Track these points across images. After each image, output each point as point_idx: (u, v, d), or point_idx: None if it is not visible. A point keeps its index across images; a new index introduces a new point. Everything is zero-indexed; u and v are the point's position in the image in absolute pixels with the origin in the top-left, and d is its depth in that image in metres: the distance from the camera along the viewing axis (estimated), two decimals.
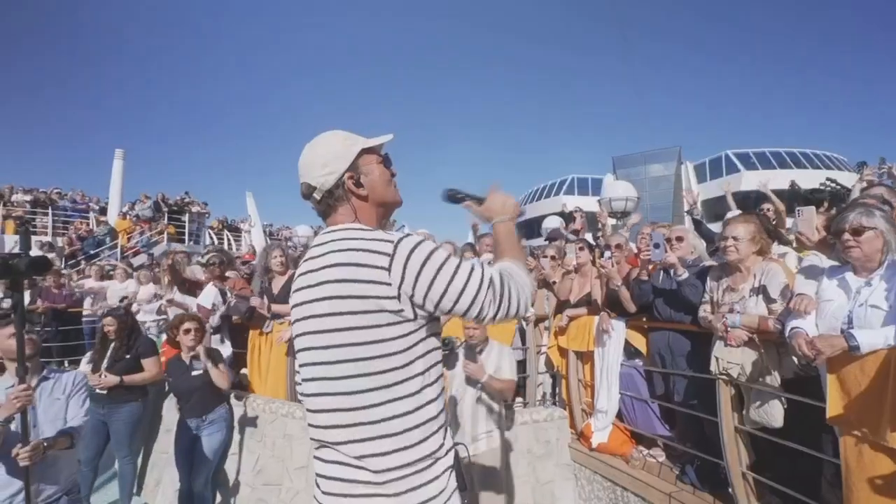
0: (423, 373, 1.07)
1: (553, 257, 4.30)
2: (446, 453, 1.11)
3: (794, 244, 3.06)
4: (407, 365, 1.04)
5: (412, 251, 1.03)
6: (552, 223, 6.59)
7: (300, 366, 1.18)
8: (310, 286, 1.10)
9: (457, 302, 1.04)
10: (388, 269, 1.02)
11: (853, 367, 1.90)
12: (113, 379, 3.56)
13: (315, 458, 1.13)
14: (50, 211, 12.50)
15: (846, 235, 1.99)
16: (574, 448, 3.67)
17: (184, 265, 5.20)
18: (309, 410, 1.13)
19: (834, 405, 1.95)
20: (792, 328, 2.08)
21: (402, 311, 1.03)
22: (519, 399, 4.29)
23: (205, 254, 5.73)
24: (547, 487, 3.62)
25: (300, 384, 1.28)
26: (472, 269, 1.07)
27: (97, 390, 3.55)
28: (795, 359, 2.09)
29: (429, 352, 1.10)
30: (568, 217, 6.57)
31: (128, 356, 3.68)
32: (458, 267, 1.06)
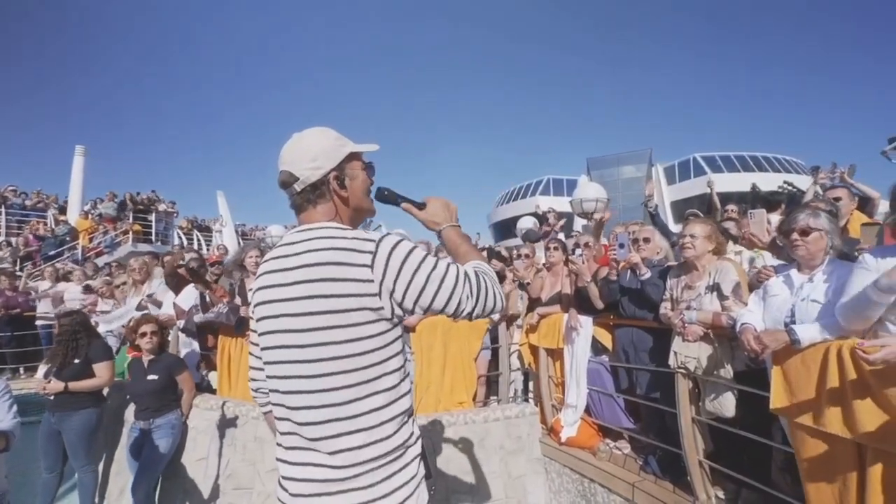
0: (398, 369, 1.12)
1: (527, 256, 4.41)
2: (415, 441, 1.16)
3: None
4: (384, 361, 1.09)
5: (393, 249, 1.07)
6: (527, 223, 6.70)
7: (266, 363, 1.17)
8: (282, 285, 1.10)
9: (435, 297, 1.08)
10: (371, 267, 1.05)
11: (795, 360, 2.03)
12: (56, 385, 3.39)
13: (280, 460, 1.14)
14: (3, 210, 11.85)
15: (794, 235, 2.13)
16: (544, 443, 3.76)
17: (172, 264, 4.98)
18: (282, 407, 1.13)
19: (777, 396, 2.08)
20: (742, 323, 2.21)
21: (382, 308, 1.07)
22: (493, 396, 4.36)
23: (167, 254, 5.58)
24: (518, 482, 3.70)
25: (256, 381, 1.31)
26: (449, 266, 1.12)
27: (48, 397, 3.44)
28: (746, 352, 2.22)
29: (400, 350, 1.15)
30: (542, 218, 6.70)
31: (77, 361, 3.51)
32: (436, 264, 1.10)
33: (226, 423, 3.92)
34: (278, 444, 1.16)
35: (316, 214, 1.16)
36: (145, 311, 4.48)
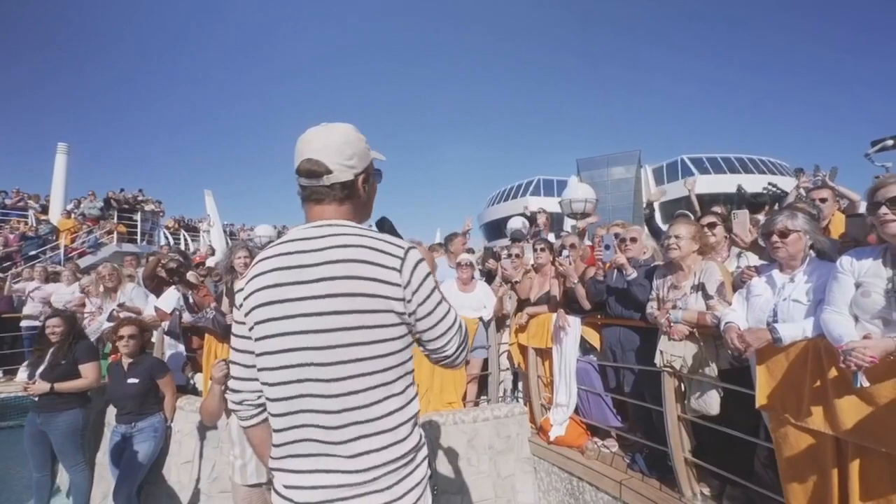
0: (411, 372, 1.14)
1: (517, 256, 4.43)
2: (424, 443, 1.17)
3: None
4: (401, 364, 1.09)
5: (419, 263, 1.09)
6: (516, 224, 6.73)
7: (266, 369, 1.08)
8: (296, 283, 1.04)
9: (434, 326, 1.12)
10: (400, 272, 1.05)
11: (779, 358, 2.08)
12: (42, 386, 3.36)
13: (281, 470, 1.08)
14: None
15: (774, 237, 2.17)
16: (533, 442, 3.78)
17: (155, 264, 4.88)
18: (288, 416, 1.06)
19: (762, 393, 2.12)
20: (726, 322, 2.25)
21: (404, 313, 1.07)
22: (482, 396, 4.37)
23: (151, 254, 5.48)
24: (508, 481, 3.71)
25: (241, 392, 1.18)
26: (450, 307, 1.16)
27: (33, 398, 3.39)
28: (730, 351, 2.26)
29: (412, 355, 1.16)
30: (532, 218, 6.73)
31: (64, 361, 3.49)
32: (442, 299, 1.14)
33: (211, 427, 3.87)
34: (278, 456, 1.09)
35: (333, 211, 1.13)
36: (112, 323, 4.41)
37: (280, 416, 1.08)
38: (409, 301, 1.07)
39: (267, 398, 1.10)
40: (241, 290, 1.13)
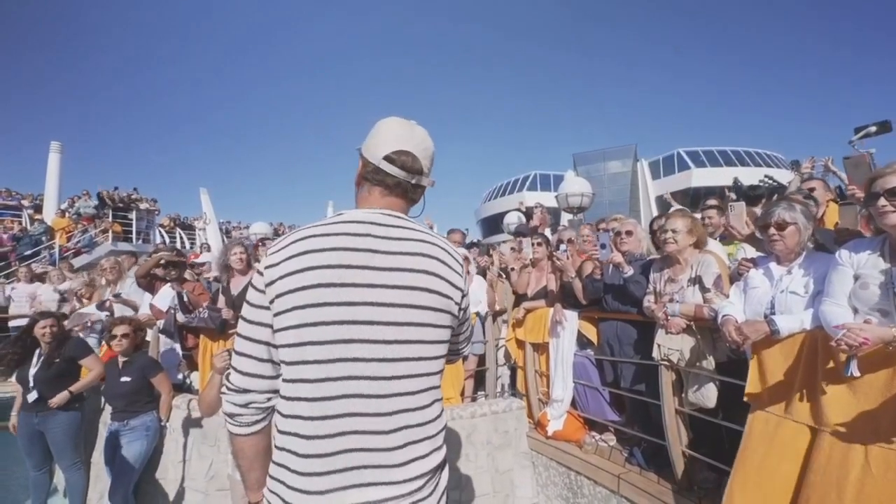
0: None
1: (512, 248, 4.42)
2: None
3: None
4: (441, 370, 1.07)
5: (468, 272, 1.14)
6: (513, 219, 6.73)
7: (300, 363, 0.93)
8: (364, 267, 0.95)
9: (466, 330, 1.21)
10: (463, 277, 1.09)
11: (773, 350, 2.07)
12: (63, 396, 3.45)
13: (298, 490, 0.91)
14: None
15: (771, 230, 2.15)
16: (531, 437, 3.78)
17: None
18: (318, 420, 0.92)
19: (752, 384, 2.12)
20: (723, 315, 2.23)
21: (457, 317, 1.08)
22: (480, 391, 4.37)
23: (153, 252, 5.45)
24: (506, 476, 3.71)
25: (251, 392, 0.99)
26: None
27: (29, 400, 3.39)
28: (727, 343, 2.25)
29: None
30: (528, 213, 6.73)
31: (57, 360, 3.52)
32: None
33: (208, 424, 3.85)
34: (304, 471, 0.91)
35: (402, 208, 1.10)
36: (107, 313, 4.39)
37: (315, 420, 0.92)
38: (462, 308, 1.10)
39: (297, 398, 0.93)
40: (270, 266, 0.96)
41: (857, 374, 1.64)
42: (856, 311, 1.79)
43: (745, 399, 2.15)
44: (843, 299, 1.82)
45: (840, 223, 2.48)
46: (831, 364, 1.83)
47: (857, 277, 1.79)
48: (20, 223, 11.84)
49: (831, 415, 1.79)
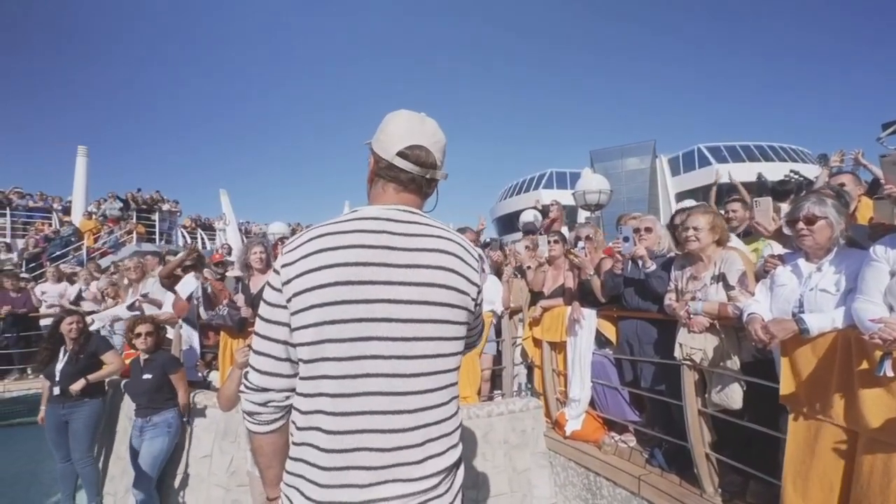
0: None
1: (527, 247, 4.38)
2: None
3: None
4: (458, 367, 1.05)
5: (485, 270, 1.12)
6: (529, 217, 6.67)
7: (316, 360, 0.93)
8: (382, 264, 0.94)
9: (479, 326, 1.19)
10: (479, 273, 1.08)
11: (805, 349, 1.99)
12: (80, 383, 3.66)
13: (315, 483, 0.92)
14: (8, 211, 11.92)
15: (800, 224, 2.07)
16: (549, 436, 3.74)
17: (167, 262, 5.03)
18: (337, 417, 0.92)
19: (787, 385, 2.04)
20: (749, 313, 2.16)
21: (473, 313, 1.08)
22: (497, 391, 4.34)
23: (166, 253, 5.60)
24: (523, 476, 3.68)
25: (270, 391, 1.00)
26: None
27: (54, 392, 3.64)
28: (753, 342, 2.18)
29: None
30: (544, 211, 6.66)
31: (82, 356, 3.76)
32: None
33: (229, 420, 3.92)
34: (314, 464, 0.93)
35: (417, 203, 1.08)
36: (137, 312, 4.51)
37: (337, 416, 0.92)
38: (478, 304, 1.10)
39: (319, 394, 0.94)
40: (287, 265, 0.96)
41: (890, 373, 1.56)
42: (891, 308, 1.71)
43: (780, 402, 2.08)
44: (877, 297, 1.74)
45: (875, 217, 2.36)
46: (865, 365, 1.75)
47: (893, 274, 1.71)
48: (51, 225, 12.28)
49: (870, 418, 1.72)
